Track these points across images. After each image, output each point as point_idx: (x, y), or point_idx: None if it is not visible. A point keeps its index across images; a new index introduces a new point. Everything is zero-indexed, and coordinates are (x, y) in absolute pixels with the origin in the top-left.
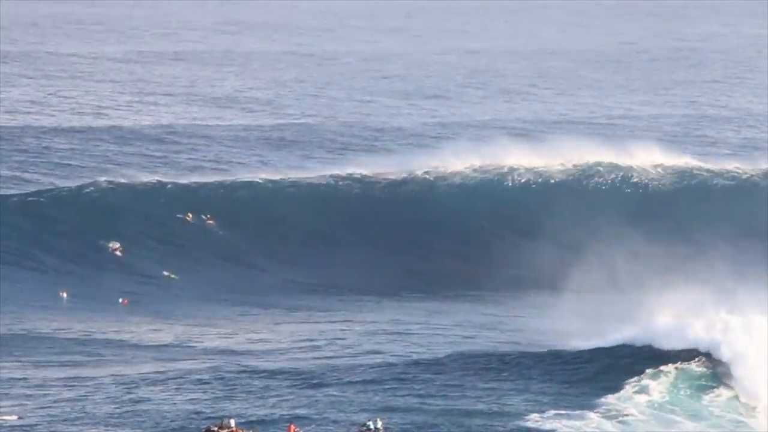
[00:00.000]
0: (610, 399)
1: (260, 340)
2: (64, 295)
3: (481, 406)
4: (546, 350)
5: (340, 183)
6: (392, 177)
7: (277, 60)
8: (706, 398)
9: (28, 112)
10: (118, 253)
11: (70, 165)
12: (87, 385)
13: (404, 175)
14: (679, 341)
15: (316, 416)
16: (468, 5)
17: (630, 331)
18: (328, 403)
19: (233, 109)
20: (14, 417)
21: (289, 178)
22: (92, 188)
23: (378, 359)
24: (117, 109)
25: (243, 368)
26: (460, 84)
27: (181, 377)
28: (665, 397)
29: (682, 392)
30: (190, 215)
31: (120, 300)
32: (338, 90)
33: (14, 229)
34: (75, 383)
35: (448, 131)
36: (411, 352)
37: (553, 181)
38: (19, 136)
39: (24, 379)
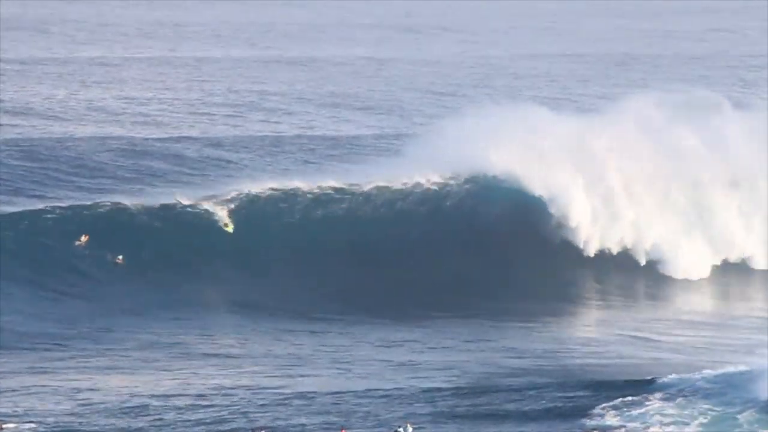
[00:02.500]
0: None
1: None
2: (120, 259)
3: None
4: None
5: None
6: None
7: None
8: None
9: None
10: (118, 261)
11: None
12: (95, 393)
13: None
14: None
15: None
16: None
17: None
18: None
19: (216, 115)
20: (14, 425)
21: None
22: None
23: (427, 369)
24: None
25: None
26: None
27: (196, 389)
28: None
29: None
30: (227, 223)
31: (118, 258)
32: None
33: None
34: (81, 391)
35: None
36: (454, 360)
37: None
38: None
39: (26, 385)
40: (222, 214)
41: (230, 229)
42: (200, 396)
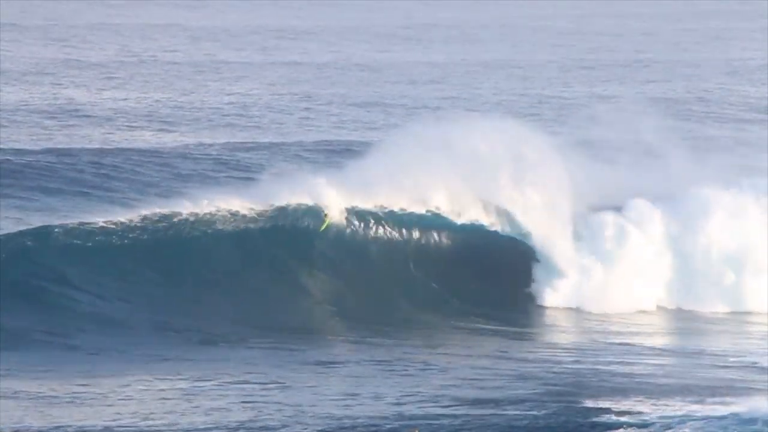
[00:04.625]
0: None
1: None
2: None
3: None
4: None
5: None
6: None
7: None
8: None
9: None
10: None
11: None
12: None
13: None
14: None
15: None
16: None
17: None
18: None
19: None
20: None
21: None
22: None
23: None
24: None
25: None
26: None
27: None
28: None
29: None
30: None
31: None
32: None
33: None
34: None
35: None
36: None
37: None
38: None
39: (26, 390)
40: (328, 207)
41: (326, 224)
42: (213, 410)
